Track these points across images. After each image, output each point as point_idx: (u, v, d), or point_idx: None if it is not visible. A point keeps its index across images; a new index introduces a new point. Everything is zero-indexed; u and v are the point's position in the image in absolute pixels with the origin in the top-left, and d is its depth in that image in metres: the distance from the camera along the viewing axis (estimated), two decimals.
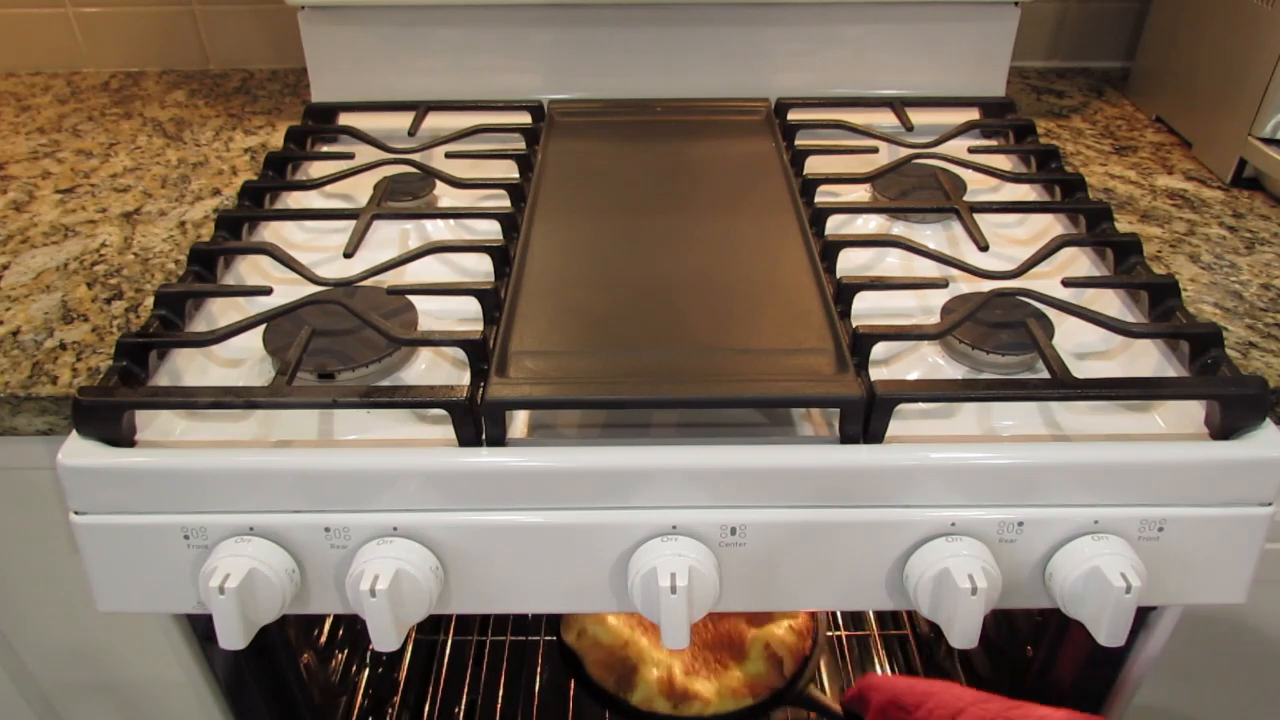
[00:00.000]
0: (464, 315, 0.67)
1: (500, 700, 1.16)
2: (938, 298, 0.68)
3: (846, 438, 0.55)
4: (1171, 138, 0.97)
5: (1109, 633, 0.54)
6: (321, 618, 0.95)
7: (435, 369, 0.63)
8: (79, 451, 0.55)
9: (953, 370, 0.63)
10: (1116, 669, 0.75)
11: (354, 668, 1.04)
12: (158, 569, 0.57)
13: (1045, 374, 0.58)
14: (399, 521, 0.55)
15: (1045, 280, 0.69)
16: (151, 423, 0.59)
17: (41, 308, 0.70)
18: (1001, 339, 0.62)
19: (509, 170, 0.83)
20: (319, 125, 0.92)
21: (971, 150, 0.84)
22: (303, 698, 0.84)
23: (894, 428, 0.56)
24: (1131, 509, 0.55)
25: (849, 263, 0.71)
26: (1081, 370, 0.62)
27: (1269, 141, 0.83)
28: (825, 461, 0.54)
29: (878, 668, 1.18)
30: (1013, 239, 0.77)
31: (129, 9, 1.10)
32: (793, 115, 0.92)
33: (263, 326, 0.62)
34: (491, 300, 0.63)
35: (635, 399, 0.54)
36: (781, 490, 0.55)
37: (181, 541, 0.56)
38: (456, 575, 0.57)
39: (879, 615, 1.23)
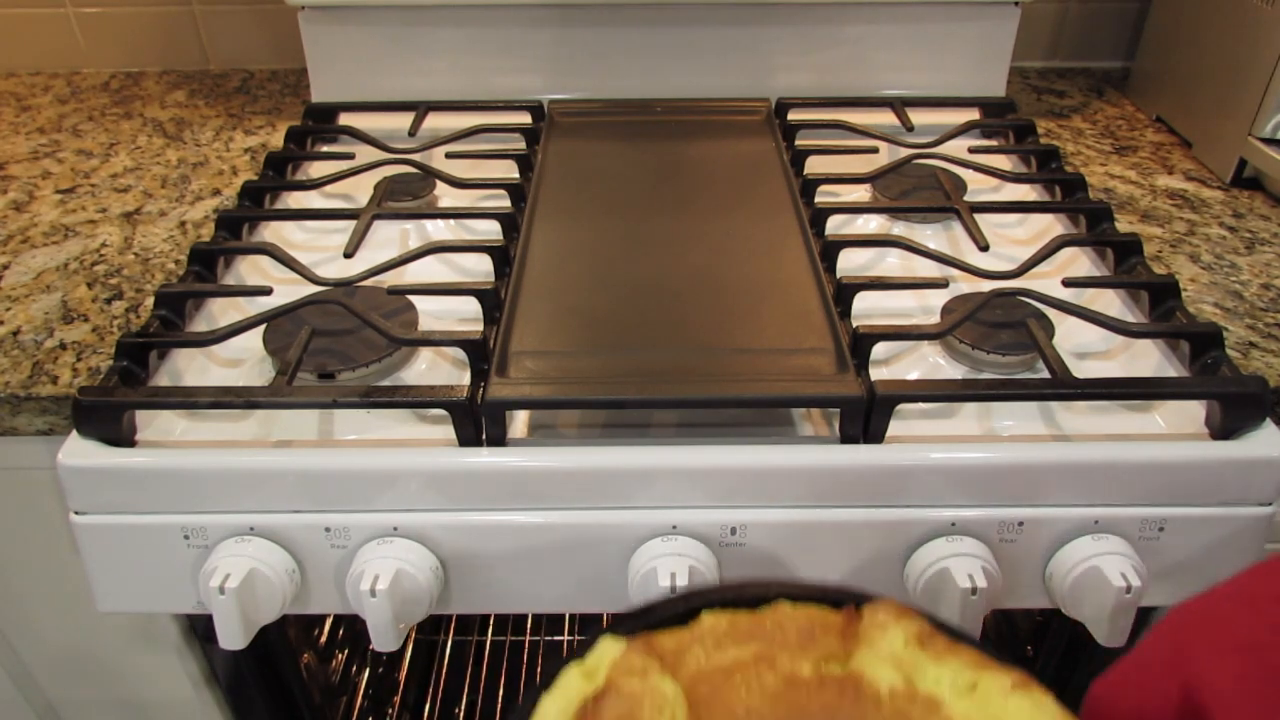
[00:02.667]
0: (464, 315, 0.67)
1: (500, 700, 1.16)
2: (938, 298, 0.68)
3: (846, 438, 0.55)
4: (1171, 138, 0.97)
5: (1109, 633, 0.54)
6: (321, 618, 0.95)
7: (435, 369, 0.63)
8: (79, 451, 0.55)
9: (953, 370, 0.63)
10: None
11: (354, 668, 1.04)
12: (158, 569, 0.57)
13: (1045, 374, 0.58)
14: (399, 521, 0.55)
15: (1045, 280, 0.68)
16: (151, 423, 0.59)
17: (42, 308, 0.70)
18: (1001, 339, 0.62)
19: (509, 170, 0.83)
20: (319, 125, 0.92)
21: (972, 150, 0.84)
22: (303, 698, 0.84)
23: (894, 428, 0.56)
24: (1131, 509, 0.55)
25: (849, 263, 0.71)
26: (1081, 370, 0.62)
27: (1269, 141, 0.83)
28: (825, 461, 0.54)
29: None
30: (1013, 239, 0.77)
31: (129, 9, 1.10)
32: (793, 115, 0.92)
33: (263, 326, 0.62)
34: (491, 300, 0.63)
35: (635, 399, 0.54)
36: (781, 490, 0.55)
37: (181, 541, 0.56)
38: (456, 575, 0.57)
39: None
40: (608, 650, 0.37)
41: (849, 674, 0.36)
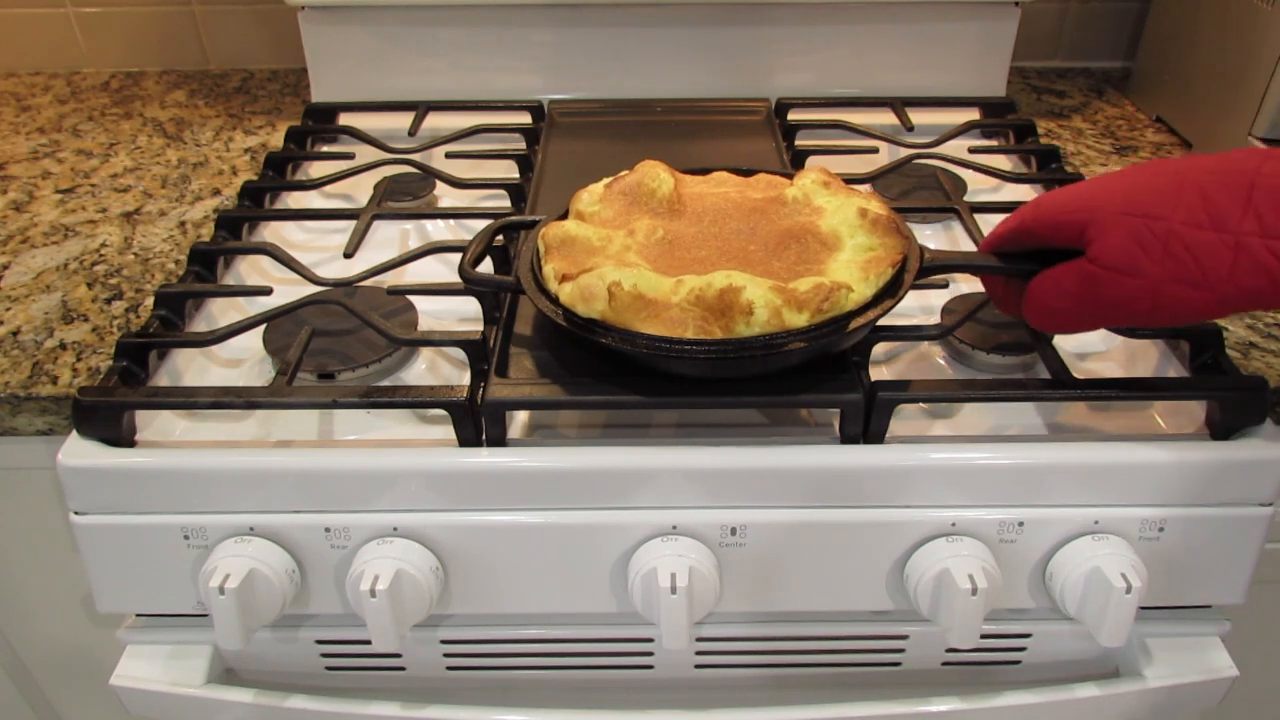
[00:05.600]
0: (464, 315, 0.67)
1: None
2: (938, 298, 0.68)
3: (846, 438, 0.55)
4: (1172, 138, 0.97)
5: (1109, 633, 0.54)
6: None
7: (435, 369, 0.63)
8: (79, 451, 0.55)
9: (953, 370, 0.63)
10: None
11: None
12: (158, 569, 0.57)
13: (1045, 374, 0.58)
14: (399, 522, 0.55)
15: None
16: (151, 423, 0.59)
17: (41, 308, 0.70)
18: (1001, 339, 0.62)
19: (509, 170, 0.83)
20: (319, 125, 0.92)
21: (972, 150, 0.84)
22: None
23: (894, 428, 0.56)
24: (1131, 509, 0.55)
25: None
26: (1081, 370, 0.62)
27: (1269, 141, 0.83)
28: (825, 461, 0.54)
29: None
30: None
31: (129, 9, 1.10)
32: (793, 115, 0.92)
33: (263, 326, 0.62)
34: (491, 301, 0.63)
35: (635, 399, 0.54)
36: (781, 490, 0.55)
37: (181, 541, 0.56)
38: (456, 575, 0.57)
39: None
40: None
41: (778, 193, 0.61)
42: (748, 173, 0.66)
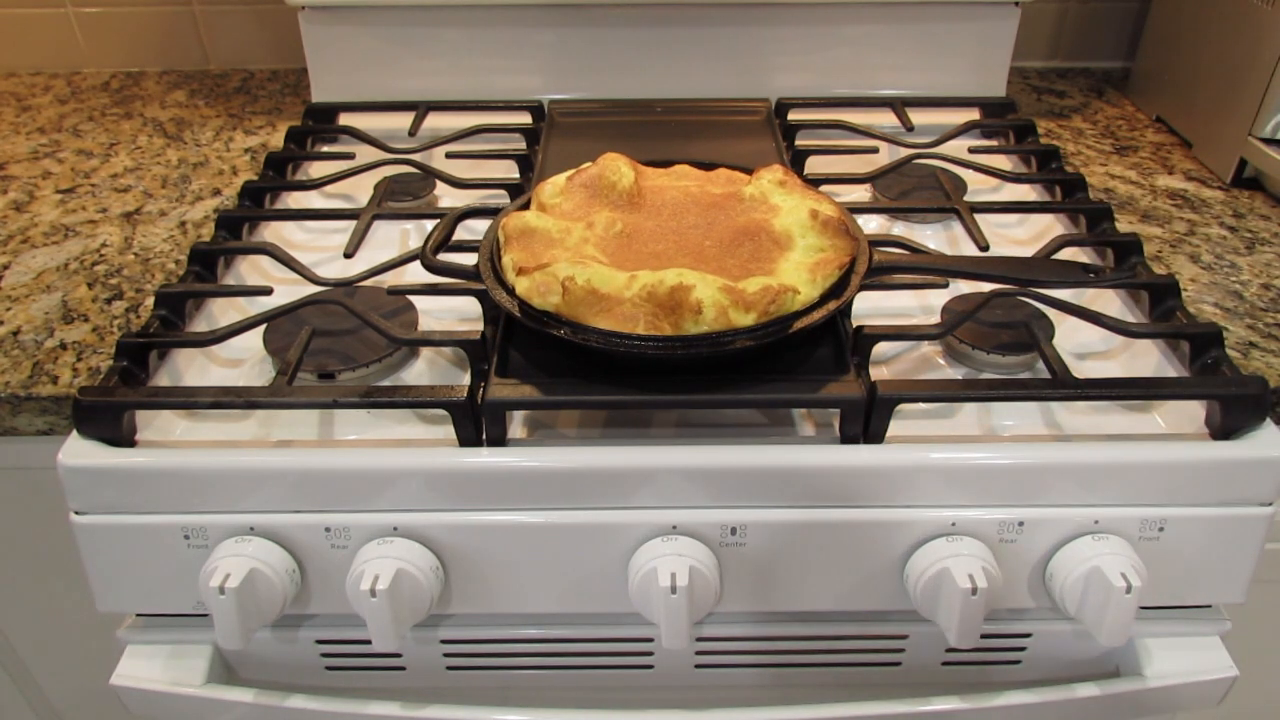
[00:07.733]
0: (464, 315, 0.67)
1: None
2: (938, 298, 0.68)
3: (846, 438, 0.55)
4: (1172, 138, 0.97)
5: (1109, 633, 0.54)
6: None
7: (435, 369, 0.63)
8: (79, 451, 0.55)
9: (953, 370, 0.63)
10: None
11: None
12: (158, 569, 0.57)
13: (1045, 374, 0.58)
14: (399, 521, 0.55)
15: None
16: (152, 423, 0.59)
17: (42, 308, 0.70)
18: (1001, 339, 0.62)
19: (509, 170, 0.83)
20: (319, 125, 0.92)
21: (972, 150, 0.84)
22: None
23: (894, 428, 0.56)
24: (1131, 509, 0.55)
25: None
26: (1081, 370, 0.62)
27: (1269, 141, 0.83)
28: (825, 461, 0.54)
29: None
30: (1013, 239, 0.77)
31: (129, 9, 1.10)
32: (793, 115, 0.92)
33: (263, 326, 0.62)
34: (491, 300, 0.63)
35: (635, 399, 0.54)
36: (781, 490, 0.55)
37: (181, 541, 0.56)
38: (457, 575, 0.57)
39: None
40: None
41: (736, 190, 0.63)
42: (709, 166, 0.68)
